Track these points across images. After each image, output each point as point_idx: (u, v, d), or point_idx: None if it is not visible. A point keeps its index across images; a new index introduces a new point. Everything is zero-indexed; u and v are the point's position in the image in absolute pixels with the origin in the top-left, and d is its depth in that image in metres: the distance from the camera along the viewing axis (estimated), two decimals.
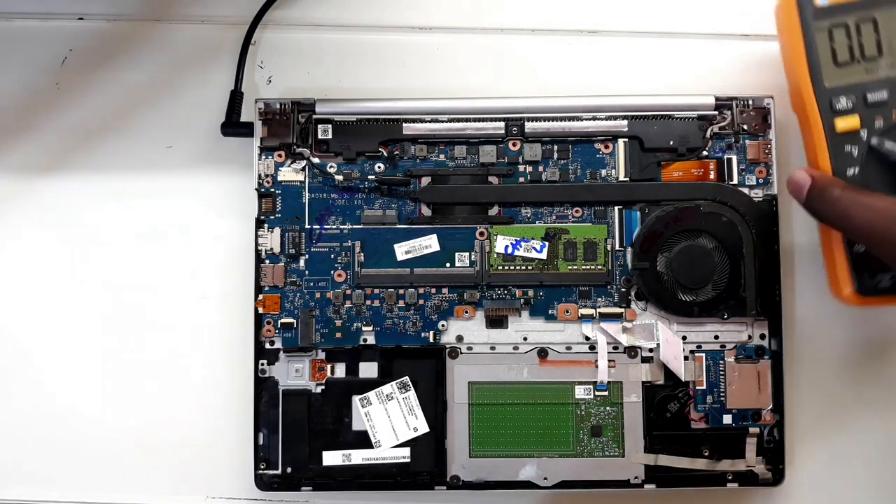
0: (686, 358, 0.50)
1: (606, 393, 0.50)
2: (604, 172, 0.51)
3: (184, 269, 0.53)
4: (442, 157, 0.51)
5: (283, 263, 0.50)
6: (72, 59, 0.54)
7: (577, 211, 0.51)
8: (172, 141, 0.53)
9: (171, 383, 0.52)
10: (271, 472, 0.50)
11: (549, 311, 0.50)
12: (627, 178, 0.51)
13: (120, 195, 0.53)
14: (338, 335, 0.50)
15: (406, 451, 0.50)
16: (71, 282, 0.53)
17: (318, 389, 0.50)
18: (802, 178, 0.45)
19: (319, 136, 0.50)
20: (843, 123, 0.45)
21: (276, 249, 0.50)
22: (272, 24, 0.54)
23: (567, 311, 0.50)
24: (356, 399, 0.50)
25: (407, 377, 0.50)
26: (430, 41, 0.54)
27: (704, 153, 0.51)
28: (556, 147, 0.51)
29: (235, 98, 0.52)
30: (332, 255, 0.50)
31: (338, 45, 0.54)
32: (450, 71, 0.54)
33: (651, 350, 0.50)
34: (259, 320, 0.50)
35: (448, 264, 0.50)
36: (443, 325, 0.50)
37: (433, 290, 0.50)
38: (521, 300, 0.50)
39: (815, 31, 0.46)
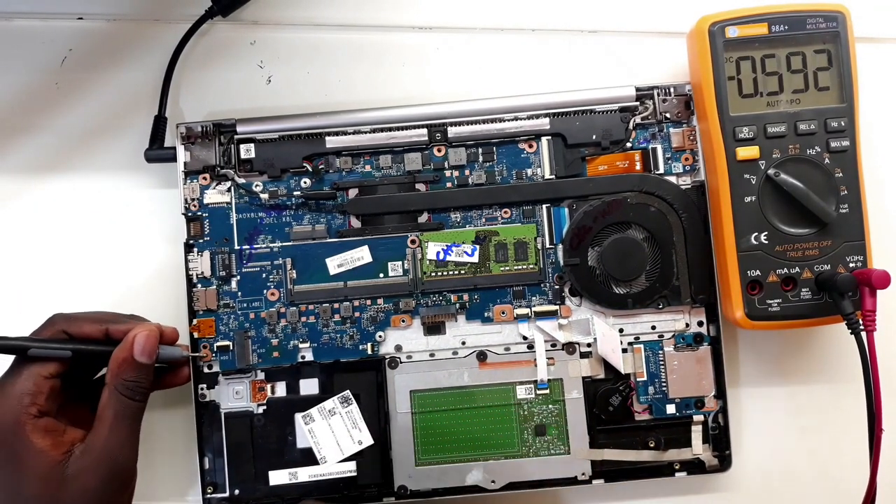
0: (624, 350, 0.50)
1: (548, 391, 0.50)
2: (529, 172, 0.51)
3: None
4: (368, 167, 0.51)
5: (214, 286, 0.50)
6: (71, 58, 0.53)
7: (505, 212, 0.50)
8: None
9: None
10: (219, 495, 0.49)
11: (486, 314, 0.50)
12: (553, 176, 0.50)
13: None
14: (275, 354, 0.50)
15: (352, 465, 0.49)
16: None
17: (260, 410, 0.50)
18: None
19: (242, 156, 0.50)
20: (744, 152, 0.47)
21: (207, 273, 0.50)
22: (272, 24, 0.54)
23: (503, 313, 0.50)
24: (299, 417, 0.50)
25: (348, 391, 0.50)
26: (432, 40, 0.54)
27: (628, 145, 0.51)
28: (480, 150, 0.51)
29: (159, 124, 0.52)
30: (264, 275, 0.50)
31: (338, 45, 0.54)
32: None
33: (588, 345, 0.50)
34: (195, 345, 0.50)
35: (381, 275, 0.50)
36: (380, 336, 0.50)
37: (368, 302, 0.50)
38: (457, 305, 0.50)
39: (724, 61, 0.47)
